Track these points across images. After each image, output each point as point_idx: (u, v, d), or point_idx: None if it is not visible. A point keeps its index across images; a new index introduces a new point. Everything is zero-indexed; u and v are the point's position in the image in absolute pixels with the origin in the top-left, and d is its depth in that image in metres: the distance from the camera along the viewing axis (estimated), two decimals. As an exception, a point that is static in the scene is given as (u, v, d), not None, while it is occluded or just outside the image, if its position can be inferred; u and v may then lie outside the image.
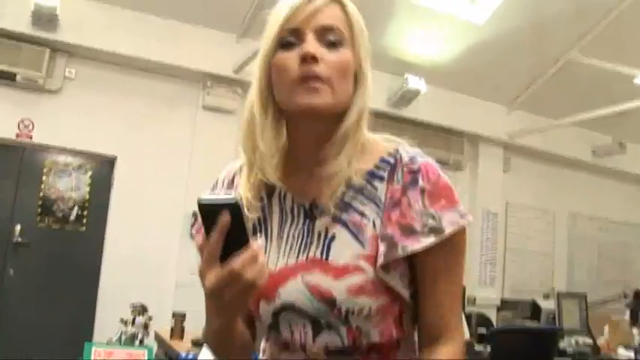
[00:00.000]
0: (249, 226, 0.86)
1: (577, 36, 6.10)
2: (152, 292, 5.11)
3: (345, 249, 1.00)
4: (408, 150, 1.06)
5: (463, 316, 1.12)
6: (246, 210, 0.88)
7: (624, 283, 7.34)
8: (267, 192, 1.08)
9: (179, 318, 3.68)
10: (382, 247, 0.97)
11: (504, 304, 6.81)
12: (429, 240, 0.96)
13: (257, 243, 0.89)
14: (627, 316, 4.98)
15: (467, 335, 4.13)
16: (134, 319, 3.45)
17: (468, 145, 7.03)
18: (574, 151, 7.44)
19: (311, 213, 1.05)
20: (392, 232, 0.98)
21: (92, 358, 2.88)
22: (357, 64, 1.04)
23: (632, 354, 4.50)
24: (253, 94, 1.06)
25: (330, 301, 0.97)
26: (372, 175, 1.04)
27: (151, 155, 5.51)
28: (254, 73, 1.05)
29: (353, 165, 1.02)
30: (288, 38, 1.00)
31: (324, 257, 1.01)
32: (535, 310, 4.91)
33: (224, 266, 0.86)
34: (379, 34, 5.55)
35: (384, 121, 5.88)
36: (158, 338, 3.71)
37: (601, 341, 4.90)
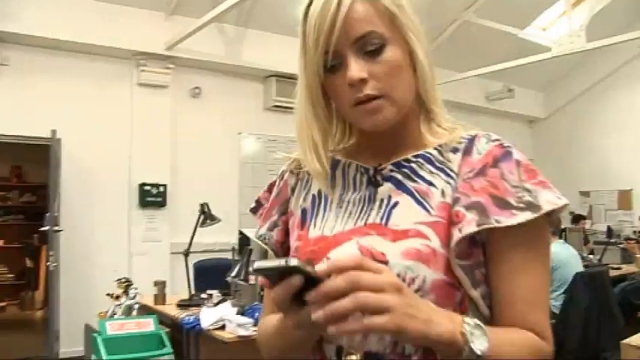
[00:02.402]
0: (316, 272, 0.73)
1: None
2: (108, 264, 5.55)
3: (408, 215, 0.92)
4: (490, 133, 0.97)
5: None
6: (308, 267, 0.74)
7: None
8: (331, 166, 1.03)
9: (161, 285, 4.17)
10: (471, 215, 0.86)
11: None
12: (525, 215, 0.84)
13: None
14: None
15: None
16: (127, 292, 3.87)
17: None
18: (470, 98, 8.21)
19: (375, 180, 0.99)
20: (482, 200, 0.87)
21: (108, 332, 3.32)
22: (409, 51, 0.95)
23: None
24: (301, 117, 0.99)
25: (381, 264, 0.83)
26: (445, 148, 0.97)
27: (93, 133, 5.79)
28: (298, 95, 0.99)
29: (424, 133, 1.00)
30: (331, 63, 0.92)
31: (383, 222, 0.93)
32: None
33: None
34: None
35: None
36: (143, 307, 4.14)
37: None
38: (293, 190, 1.09)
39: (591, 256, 6.69)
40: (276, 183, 1.12)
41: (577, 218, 7.38)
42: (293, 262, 0.72)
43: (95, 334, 3.38)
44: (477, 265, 0.88)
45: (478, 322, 0.79)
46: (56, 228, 5.08)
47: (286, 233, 1.08)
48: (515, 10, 6.74)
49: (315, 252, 0.95)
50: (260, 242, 1.09)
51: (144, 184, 5.89)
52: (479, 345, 0.76)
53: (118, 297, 3.96)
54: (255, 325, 3.21)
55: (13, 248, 8.46)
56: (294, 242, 1.03)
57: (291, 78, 6.58)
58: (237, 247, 4.27)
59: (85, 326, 4.15)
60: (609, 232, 7.33)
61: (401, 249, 0.87)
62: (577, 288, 4.55)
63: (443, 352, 0.79)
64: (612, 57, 8.04)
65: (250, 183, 6.67)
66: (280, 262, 0.72)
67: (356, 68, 0.90)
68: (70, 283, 5.42)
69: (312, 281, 0.72)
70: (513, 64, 6.60)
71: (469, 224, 0.85)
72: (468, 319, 0.79)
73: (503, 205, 0.85)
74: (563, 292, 4.70)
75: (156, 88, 6.04)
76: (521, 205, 0.85)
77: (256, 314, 3.31)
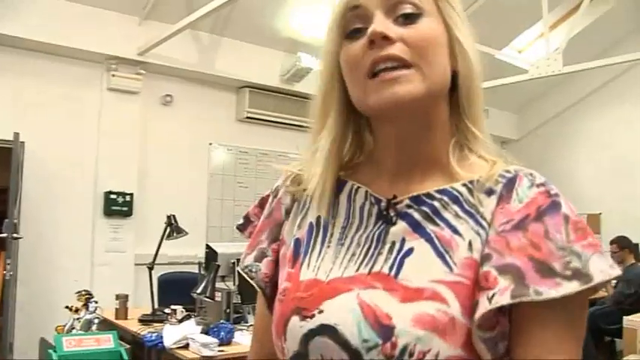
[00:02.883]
0: None
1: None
2: (69, 273, 5.35)
3: (423, 268, 0.75)
4: (534, 173, 0.81)
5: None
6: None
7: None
8: (335, 189, 0.87)
9: (123, 299, 4.00)
10: (504, 281, 0.69)
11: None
12: (572, 286, 0.67)
13: None
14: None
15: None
16: (87, 305, 3.70)
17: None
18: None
19: (387, 215, 0.81)
20: (519, 263, 0.70)
21: (65, 348, 3.14)
22: (448, 33, 0.79)
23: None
24: (316, 102, 0.87)
25: (385, 330, 0.71)
26: (478, 187, 0.79)
27: (59, 138, 5.59)
28: (319, 74, 0.87)
29: (452, 162, 0.81)
30: (354, 25, 0.79)
31: (392, 273, 0.76)
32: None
33: None
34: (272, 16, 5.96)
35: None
36: (104, 321, 3.99)
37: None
38: (288, 213, 0.92)
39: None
40: (269, 200, 0.95)
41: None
42: None
43: (50, 350, 3.21)
44: (502, 336, 0.72)
45: None
46: (15, 235, 4.87)
47: (277, 264, 0.91)
48: (492, 31, 6.74)
49: (306, 300, 0.77)
50: (245, 275, 0.93)
51: (110, 192, 5.69)
52: None
53: (77, 310, 3.80)
54: (220, 345, 3.11)
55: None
56: (282, 282, 0.85)
57: (264, 90, 6.67)
58: (203, 261, 4.13)
59: (41, 340, 3.96)
60: (578, 255, 7.31)
61: (412, 313, 0.71)
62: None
63: None
64: (586, 81, 8.09)
65: (219, 195, 6.53)
66: None
67: (382, 23, 0.75)
68: (30, 292, 5.20)
69: None
70: (489, 85, 6.58)
71: (502, 294, 0.68)
72: None
73: (546, 271, 0.68)
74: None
75: (126, 94, 5.87)
76: (567, 273, 0.68)
77: (221, 333, 3.19)
